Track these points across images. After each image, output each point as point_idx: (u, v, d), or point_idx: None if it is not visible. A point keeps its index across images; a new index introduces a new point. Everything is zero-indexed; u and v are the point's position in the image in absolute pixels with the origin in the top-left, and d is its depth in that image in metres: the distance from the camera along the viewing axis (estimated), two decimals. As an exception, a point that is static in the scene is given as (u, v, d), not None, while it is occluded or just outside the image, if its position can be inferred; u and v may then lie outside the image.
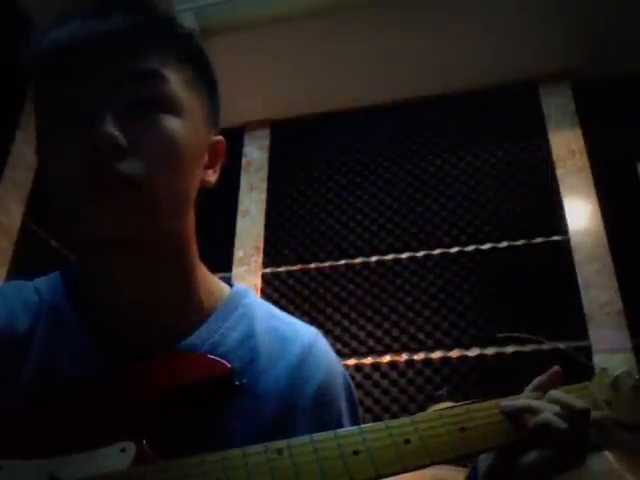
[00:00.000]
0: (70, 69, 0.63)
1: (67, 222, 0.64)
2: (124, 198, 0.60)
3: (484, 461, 0.68)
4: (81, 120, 0.62)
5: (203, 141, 0.71)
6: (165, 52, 0.66)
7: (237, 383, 0.66)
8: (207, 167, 0.72)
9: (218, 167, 0.75)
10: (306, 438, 0.59)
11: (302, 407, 0.70)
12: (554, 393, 0.67)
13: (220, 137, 0.76)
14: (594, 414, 0.66)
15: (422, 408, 2.07)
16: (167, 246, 0.67)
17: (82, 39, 0.63)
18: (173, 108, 0.65)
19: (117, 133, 0.60)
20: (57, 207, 0.64)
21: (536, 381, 0.71)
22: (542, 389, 0.69)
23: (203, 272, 0.74)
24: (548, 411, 0.64)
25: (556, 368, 0.71)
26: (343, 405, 0.74)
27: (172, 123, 0.64)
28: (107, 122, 0.60)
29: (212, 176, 0.73)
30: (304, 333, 0.76)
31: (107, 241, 0.62)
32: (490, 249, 2.30)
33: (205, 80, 0.72)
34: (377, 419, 2.12)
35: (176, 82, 0.66)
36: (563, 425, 0.62)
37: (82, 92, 0.63)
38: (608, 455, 1.20)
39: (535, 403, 0.66)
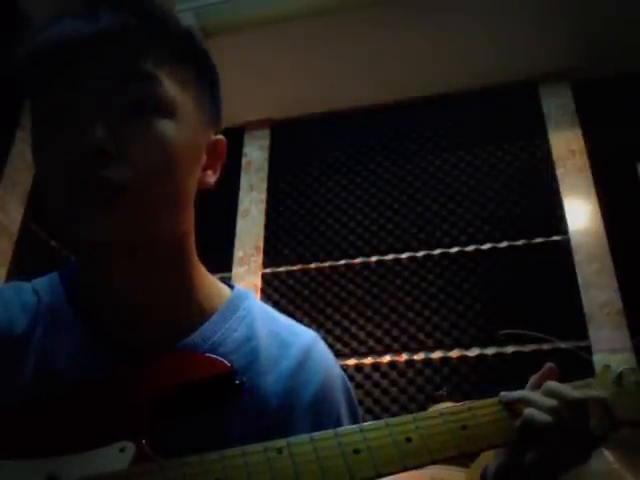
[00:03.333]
0: (60, 73, 0.62)
1: (57, 222, 0.63)
2: (110, 205, 0.60)
3: (493, 463, 0.68)
4: (71, 125, 0.61)
5: (199, 142, 0.69)
6: (158, 52, 0.65)
7: (237, 382, 0.66)
8: (206, 168, 0.71)
9: (218, 167, 0.74)
10: (306, 437, 0.59)
11: (301, 409, 0.70)
12: (550, 384, 0.67)
13: (221, 136, 0.74)
14: (592, 392, 0.66)
15: (422, 408, 2.06)
16: (163, 248, 0.67)
17: (70, 42, 0.62)
18: (165, 110, 0.64)
19: (105, 139, 0.60)
20: (48, 207, 0.64)
21: (532, 380, 0.71)
22: (538, 387, 0.69)
23: (202, 273, 0.74)
24: (542, 404, 0.64)
25: (549, 364, 0.71)
26: (342, 408, 0.74)
27: (164, 126, 0.63)
28: (96, 128, 0.60)
29: (212, 177, 0.72)
30: (303, 336, 0.76)
31: (93, 244, 0.62)
32: (490, 249, 2.30)
33: (204, 79, 0.71)
34: (377, 419, 2.11)
35: (170, 83, 0.64)
36: (547, 418, 0.63)
37: (72, 96, 0.62)
38: (608, 455, 1.20)
39: (531, 395, 0.66)
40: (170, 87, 0.64)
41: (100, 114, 0.61)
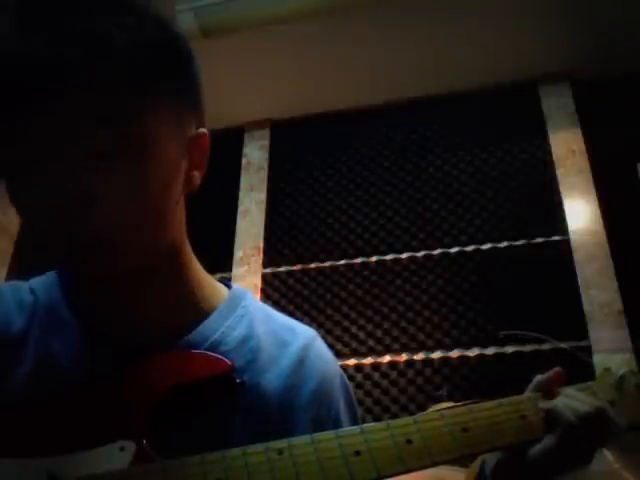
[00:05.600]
0: (9, 120, 0.57)
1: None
2: (96, 255, 0.60)
3: (493, 457, 0.68)
4: (36, 176, 0.58)
5: (177, 157, 0.65)
6: (109, 75, 0.57)
7: (238, 381, 0.66)
8: (191, 167, 0.68)
9: (204, 163, 0.70)
10: (307, 438, 0.59)
11: (300, 408, 0.70)
12: (569, 391, 0.68)
13: (202, 130, 0.69)
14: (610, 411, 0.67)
15: (422, 408, 2.06)
16: (156, 258, 0.67)
17: (11, 84, 0.56)
18: (132, 149, 0.59)
19: (70, 196, 0.57)
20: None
21: (536, 380, 0.71)
22: (543, 389, 0.69)
23: (199, 273, 0.74)
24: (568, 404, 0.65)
25: (558, 369, 0.71)
26: (341, 405, 0.74)
27: (133, 168, 0.59)
28: (59, 184, 0.57)
29: (198, 178, 0.69)
30: (301, 334, 0.76)
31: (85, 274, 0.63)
32: (490, 249, 2.30)
33: (172, 78, 0.64)
34: (377, 419, 2.12)
35: (133, 111, 0.59)
36: (572, 419, 0.63)
37: (31, 147, 0.58)
38: (608, 455, 1.20)
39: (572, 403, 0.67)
40: (131, 116, 0.59)
41: (67, 165, 0.57)
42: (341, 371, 0.78)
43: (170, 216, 0.66)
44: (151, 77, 0.61)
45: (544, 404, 0.68)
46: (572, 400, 0.66)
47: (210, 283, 0.76)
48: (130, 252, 0.62)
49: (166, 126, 0.63)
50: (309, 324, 0.79)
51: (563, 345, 2.01)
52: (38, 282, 0.74)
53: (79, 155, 0.58)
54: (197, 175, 0.69)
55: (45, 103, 0.57)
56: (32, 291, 0.72)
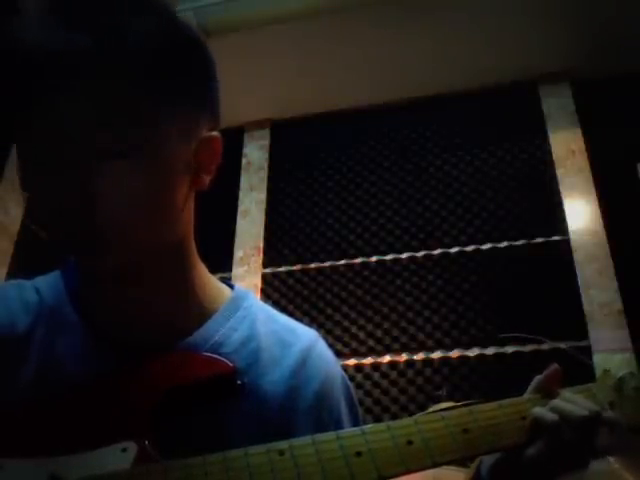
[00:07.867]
0: (22, 111, 0.59)
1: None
2: (98, 252, 0.61)
3: (489, 458, 0.68)
4: (45, 172, 0.59)
5: (183, 159, 0.65)
6: (126, 74, 0.59)
7: (239, 382, 0.66)
8: (201, 169, 0.68)
9: (214, 167, 0.70)
10: (308, 439, 0.59)
11: (302, 409, 0.70)
12: (567, 394, 0.68)
13: (215, 133, 0.70)
14: (607, 414, 0.66)
15: (422, 408, 2.07)
16: (161, 255, 0.67)
17: (25, 73, 0.58)
18: (138, 150, 0.60)
19: (76, 193, 0.58)
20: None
21: (535, 382, 0.71)
22: (543, 390, 0.69)
23: (203, 273, 0.74)
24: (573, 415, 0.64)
25: (554, 366, 0.71)
26: (343, 406, 0.74)
27: (139, 170, 0.60)
28: (65, 181, 0.58)
29: (206, 179, 0.70)
30: (304, 336, 0.76)
31: (90, 272, 0.63)
32: (490, 249, 2.30)
33: (186, 82, 0.65)
34: (377, 419, 2.12)
35: (140, 113, 0.60)
36: (554, 418, 0.63)
37: (40, 140, 0.59)
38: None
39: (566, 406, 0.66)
40: (140, 118, 0.60)
41: (68, 164, 0.58)
42: (342, 372, 0.78)
43: (175, 217, 0.66)
44: (158, 80, 0.62)
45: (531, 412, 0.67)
46: (568, 404, 0.66)
47: (213, 284, 0.76)
48: (130, 251, 0.63)
49: (171, 129, 0.63)
50: (309, 324, 0.79)
51: (562, 346, 2.01)
52: (42, 281, 0.74)
53: (80, 154, 0.59)
54: (205, 178, 0.69)
55: (49, 100, 0.58)
56: (37, 291, 0.72)
